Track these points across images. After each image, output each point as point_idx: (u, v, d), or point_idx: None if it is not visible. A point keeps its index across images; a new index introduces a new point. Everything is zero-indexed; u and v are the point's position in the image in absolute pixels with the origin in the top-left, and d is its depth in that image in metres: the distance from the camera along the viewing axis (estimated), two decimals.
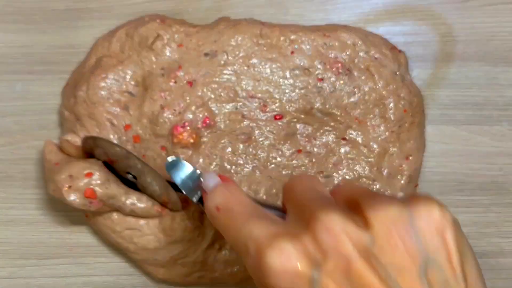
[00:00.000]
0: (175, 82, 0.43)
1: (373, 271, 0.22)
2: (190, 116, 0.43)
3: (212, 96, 0.43)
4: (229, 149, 0.43)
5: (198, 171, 0.36)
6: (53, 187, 0.40)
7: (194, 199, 0.35)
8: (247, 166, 0.43)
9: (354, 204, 0.25)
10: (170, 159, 0.37)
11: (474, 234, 0.46)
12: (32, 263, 0.45)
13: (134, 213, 0.41)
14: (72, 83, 0.46)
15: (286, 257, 0.23)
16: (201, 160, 0.42)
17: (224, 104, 0.43)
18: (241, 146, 0.43)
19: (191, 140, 0.42)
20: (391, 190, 0.43)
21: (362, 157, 0.43)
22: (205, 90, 0.43)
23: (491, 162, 0.47)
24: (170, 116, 0.42)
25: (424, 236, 0.24)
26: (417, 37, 0.48)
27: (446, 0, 0.48)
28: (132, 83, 0.44)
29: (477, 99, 0.48)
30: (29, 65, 0.48)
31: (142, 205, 0.41)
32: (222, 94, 0.43)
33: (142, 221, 0.42)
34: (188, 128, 0.42)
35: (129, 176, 0.40)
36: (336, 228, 0.23)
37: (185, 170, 0.36)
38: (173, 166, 0.36)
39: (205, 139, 0.43)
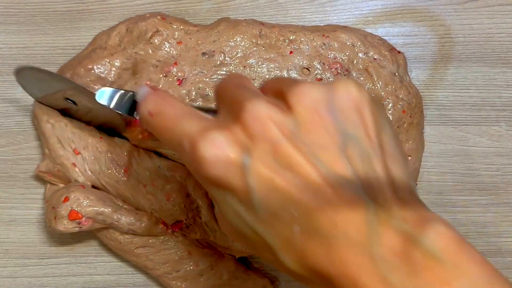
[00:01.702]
0: (166, 76, 0.43)
1: (297, 151, 0.24)
2: None
3: (197, 95, 0.43)
4: None
5: (131, 92, 0.36)
6: (48, 224, 0.42)
7: (137, 117, 0.35)
8: None
9: (279, 93, 0.26)
10: (99, 90, 0.36)
11: (473, 234, 0.46)
12: (33, 263, 0.46)
13: (135, 233, 0.42)
14: (60, 71, 0.46)
15: (217, 146, 0.25)
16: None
17: (208, 104, 0.43)
18: None
19: (140, 136, 0.42)
20: None
21: None
22: (192, 89, 0.43)
23: (489, 162, 0.47)
24: None
25: (343, 115, 0.25)
26: (416, 39, 0.48)
27: (444, 1, 0.49)
28: (119, 71, 0.44)
29: (475, 100, 0.48)
30: None
31: (142, 224, 0.42)
32: (209, 93, 0.43)
33: (152, 239, 0.43)
34: (138, 126, 0.42)
35: (69, 102, 0.40)
36: (262, 115, 0.25)
37: (117, 94, 0.36)
38: (103, 94, 0.36)
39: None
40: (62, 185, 0.44)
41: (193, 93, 0.43)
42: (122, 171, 0.42)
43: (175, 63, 0.43)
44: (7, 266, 0.46)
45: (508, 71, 0.48)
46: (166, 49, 0.44)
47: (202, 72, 0.44)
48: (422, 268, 0.22)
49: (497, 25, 0.49)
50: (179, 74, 0.43)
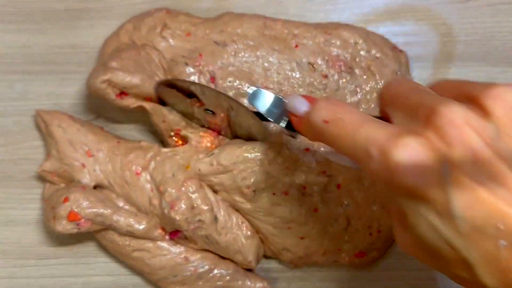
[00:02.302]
0: (201, 73, 0.43)
1: (501, 159, 0.22)
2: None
3: (232, 90, 0.43)
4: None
5: (281, 97, 0.36)
6: (47, 224, 0.42)
7: (282, 125, 0.35)
8: None
9: (467, 96, 0.24)
10: (251, 90, 0.36)
11: None
12: (32, 263, 0.45)
13: (133, 234, 0.42)
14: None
15: (413, 152, 0.23)
16: (203, 166, 0.42)
17: (244, 100, 0.43)
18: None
19: (208, 144, 0.43)
20: None
21: None
22: (226, 85, 0.43)
23: None
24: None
25: None
26: (417, 37, 0.48)
27: (446, 0, 0.48)
28: (154, 67, 0.43)
29: None
30: (29, 65, 0.48)
31: (140, 227, 0.41)
32: (240, 85, 0.43)
33: (149, 243, 0.42)
34: (217, 140, 0.43)
35: (208, 113, 0.41)
36: (459, 119, 0.23)
37: (267, 98, 0.36)
38: (255, 96, 0.36)
39: (217, 150, 0.42)
40: (63, 185, 0.44)
41: (230, 92, 0.43)
42: (136, 172, 0.42)
43: (200, 55, 0.43)
44: (6, 267, 0.45)
45: (510, 70, 0.48)
46: (178, 42, 0.44)
47: (224, 64, 0.43)
48: None
49: (499, 24, 0.48)
50: (207, 69, 0.43)
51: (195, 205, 0.41)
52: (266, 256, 0.45)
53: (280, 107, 0.35)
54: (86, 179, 0.43)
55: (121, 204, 0.43)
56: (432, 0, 0.49)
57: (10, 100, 0.47)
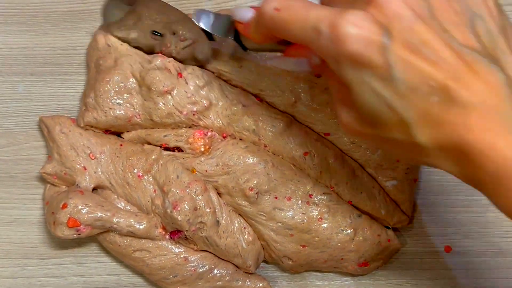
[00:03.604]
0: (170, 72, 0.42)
1: (431, 29, 0.27)
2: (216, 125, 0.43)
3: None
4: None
5: (225, 15, 0.37)
6: (48, 227, 0.42)
7: (231, 38, 0.37)
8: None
9: None
10: (197, 10, 0.37)
11: (473, 234, 0.46)
12: (34, 263, 0.46)
13: (133, 235, 0.42)
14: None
15: (359, 24, 0.27)
16: (208, 167, 0.43)
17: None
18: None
19: (202, 149, 0.43)
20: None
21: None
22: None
23: None
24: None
25: None
26: None
27: None
28: (131, 80, 0.43)
29: None
30: (31, 66, 0.48)
31: (140, 226, 0.42)
32: None
33: (149, 243, 0.43)
34: (207, 138, 0.43)
35: (156, 34, 0.41)
36: None
37: (212, 16, 0.37)
38: (200, 16, 0.38)
39: (219, 151, 0.43)
40: (63, 187, 0.44)
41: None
42: (137, 175, 0.43)
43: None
44: (8, 266, 0.46)
45: None
46: None
47: None
48: None
49: None
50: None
51: (198, 207, 0.41)
52: (266, 262, 0.46)
53: (226, 23, 0.37)
54: (86, 181, 0.43)
55: (121, 204, 0.43)
56: None
57: (12, 101, 0.48)
